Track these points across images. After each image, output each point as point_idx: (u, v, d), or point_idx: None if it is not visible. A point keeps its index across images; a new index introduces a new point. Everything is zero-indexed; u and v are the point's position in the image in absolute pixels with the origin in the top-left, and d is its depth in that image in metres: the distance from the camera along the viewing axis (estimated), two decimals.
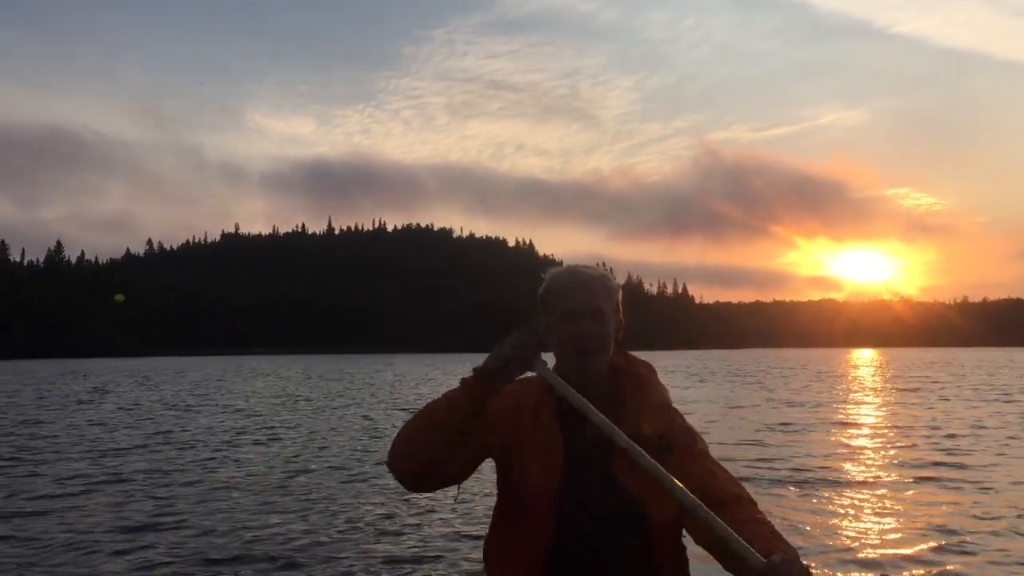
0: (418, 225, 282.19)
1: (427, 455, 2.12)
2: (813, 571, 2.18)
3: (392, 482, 8.50)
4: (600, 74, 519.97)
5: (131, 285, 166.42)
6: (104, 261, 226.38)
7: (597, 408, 2.15)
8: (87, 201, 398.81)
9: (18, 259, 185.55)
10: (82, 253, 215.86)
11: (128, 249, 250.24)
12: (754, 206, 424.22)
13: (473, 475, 2.23)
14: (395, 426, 16.35)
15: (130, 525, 8.08)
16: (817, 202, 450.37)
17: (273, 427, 17.77)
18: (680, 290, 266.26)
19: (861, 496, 9.46)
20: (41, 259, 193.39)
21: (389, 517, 8.34)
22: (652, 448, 2.15)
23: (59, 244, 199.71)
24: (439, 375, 46.70)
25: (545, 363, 2.13)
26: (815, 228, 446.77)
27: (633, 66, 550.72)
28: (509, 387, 2.15)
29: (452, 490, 2.26)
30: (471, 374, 2.06)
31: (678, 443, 2.27)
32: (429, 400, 2.18)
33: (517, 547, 2.18)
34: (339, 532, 7.75)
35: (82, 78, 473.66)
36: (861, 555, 6.94)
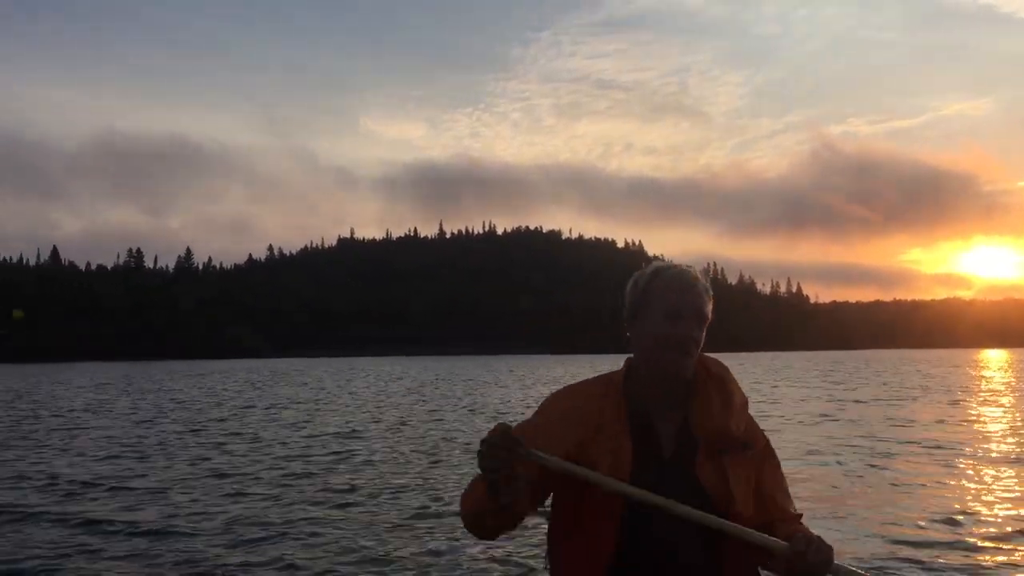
0: (527, 228, 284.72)
1: (488, 525, 2.24)
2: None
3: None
4: (709, 70, 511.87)
5: (256, 290, 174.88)
6: (229, 267, 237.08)
7: (679, 404, 2.30)
8: (208, 207, 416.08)
9: (151, 265, 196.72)
10: (209, 259, 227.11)
11: (251, 255, 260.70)
12: (874, 202, 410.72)
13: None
14: None
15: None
16: (942, 196, 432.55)
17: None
18: (794, 289, 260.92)
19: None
20: (170, 265, 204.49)
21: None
22: (738, 444, 2.27)
23: (189, 251, 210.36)
24: (556, 375, 48.12)
25: (533, 451, 2.09)
26: (940, 223, 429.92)
27: (743, 61, 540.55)
28: (562, 392, 2.38)
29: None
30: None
31: (756, 442, 2.35)
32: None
33: (582, 549, 2.19)
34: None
35: (203, 88, 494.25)
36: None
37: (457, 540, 7.08)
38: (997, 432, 15.92)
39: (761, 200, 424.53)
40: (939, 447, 13.58)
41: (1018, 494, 9.37)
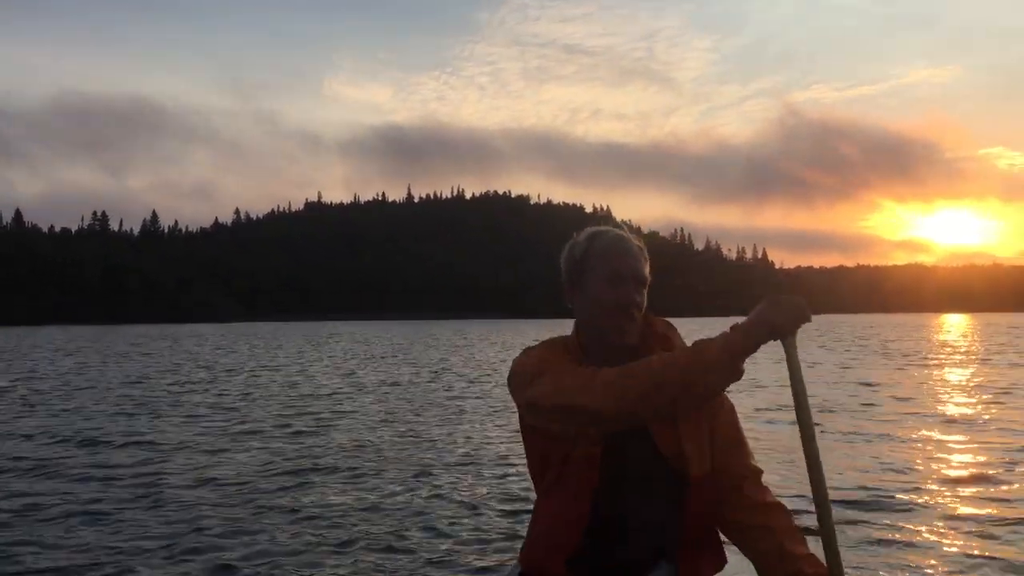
0: (496, 192, 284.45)
1: (641, 414, 2.12)
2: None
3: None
4: (677, 36, 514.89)
5: (224, 254, 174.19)
6: (195, 230, 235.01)
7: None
8: (171, 170, 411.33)
9: (116, 228, 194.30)
10: (175, 223, 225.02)
11: (217, 218, 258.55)
12: (839, 168, 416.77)
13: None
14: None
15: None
16: (905, 163, 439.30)
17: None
18: (760, 255, 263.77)
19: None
20: (135, 228, 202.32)
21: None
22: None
23: (155, 215, 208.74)
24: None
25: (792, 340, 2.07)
26: (903, 190, 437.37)
27: (711, 27, 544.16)
28: (534, 351, 2.31)
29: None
30: (741, 343, 2.01)
31: None
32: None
33: (562, 509, 2.22)
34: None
35: (163, 49, 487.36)
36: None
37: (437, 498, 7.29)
38: (929, 394, 16.53)
39: (728, 166, 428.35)
40: (873, 405, 14.45)
41: (943, 453, 9.85)
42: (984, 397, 15.68)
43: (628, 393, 2.07)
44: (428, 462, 9.33)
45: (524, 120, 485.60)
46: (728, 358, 2.02)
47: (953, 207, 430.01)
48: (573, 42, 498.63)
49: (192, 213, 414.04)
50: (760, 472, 2.29)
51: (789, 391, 2.13)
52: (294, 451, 10.16)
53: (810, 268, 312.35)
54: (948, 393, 16.80)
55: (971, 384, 18.60)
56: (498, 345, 44.80)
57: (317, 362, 29.70)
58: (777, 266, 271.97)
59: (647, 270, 2.30)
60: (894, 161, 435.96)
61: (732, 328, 2.04)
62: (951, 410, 13.85)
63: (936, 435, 11.01)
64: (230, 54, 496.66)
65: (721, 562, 2.29)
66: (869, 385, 18.44)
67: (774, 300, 2.04)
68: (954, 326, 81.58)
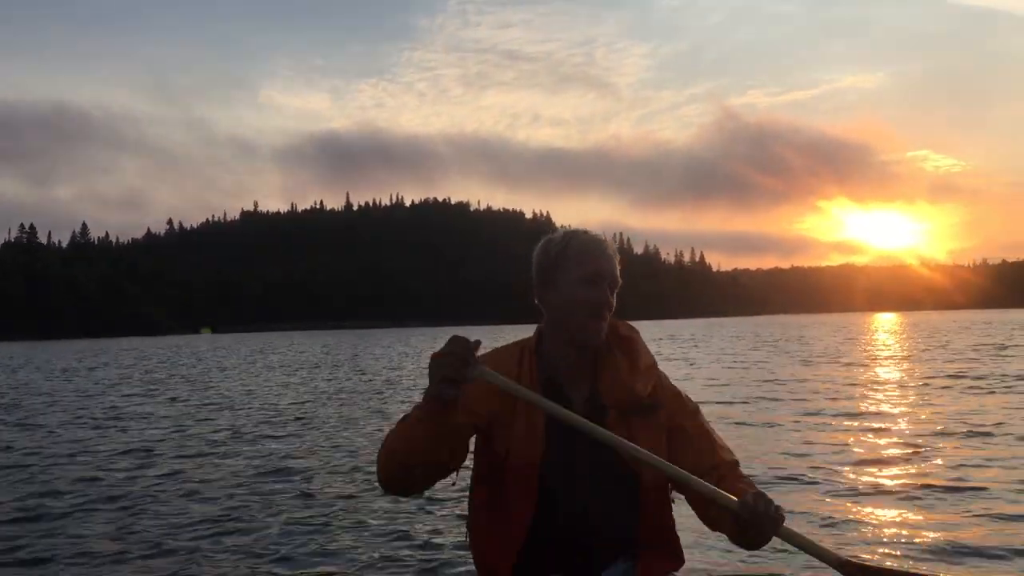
0: (435, 199, 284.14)
1: (416, 474, 2.13)
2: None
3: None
4: (615, 42, 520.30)
5: (159, 266, 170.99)
6: (126, 241, 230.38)
7: (588, 370, 2.31)
8: (100, 179, 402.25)
9: (44, 240, 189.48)
10: (106, 234, 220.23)
11: (149, 229, 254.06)
12: (774, 171, 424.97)
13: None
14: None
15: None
16: (838, 166, 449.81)
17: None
18: (697, 258, 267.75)
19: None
20: (62, 240, 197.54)
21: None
22: (642, 406, 2.28)
23: (84, 226, 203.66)
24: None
25: (483, 367, 2.05)
26: (836, 192, 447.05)
27: (648, 33, 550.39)
28: (484, 358, 2.16)
29: (449, 479, 2.23)
30: (421, 401, 2.05)
31: (667, 401, 2.33)
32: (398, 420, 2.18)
33: (501, 519, 2.22)
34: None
35: (87, 55, 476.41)
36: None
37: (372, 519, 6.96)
38: (836, 390, 17.00)
39: (667, 170, 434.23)
40: (776, 399, 15.22)
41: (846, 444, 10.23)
42: (883, 390, 16.43)
43: (387, 463, 2.15)
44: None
45: (464, 126, 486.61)
46: (424, 415, 2.04)
47: (884, 209, 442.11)
48: (512, 48, 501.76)
49: (122, 223, 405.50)
50: (736, 463, 2.32)
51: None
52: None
53: (747, 270, 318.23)
54: (834, 388, 17.37)
55: (859, 380, 19.29)
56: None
57: (264, 372, 29.41)
58: (715, 269, 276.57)
59: (619, 272, 2.33)
60: (828, 164, 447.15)
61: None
62: (827, 404, 14.44)
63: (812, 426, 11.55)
64: (158, 61, 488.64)
65: (679, 561, 2.35)
66: (770, 381, 19.20)
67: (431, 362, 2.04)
68: (870, 325, 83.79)
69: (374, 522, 6.81)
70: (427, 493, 7.33)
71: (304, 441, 11.80)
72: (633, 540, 2.26)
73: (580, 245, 2.31)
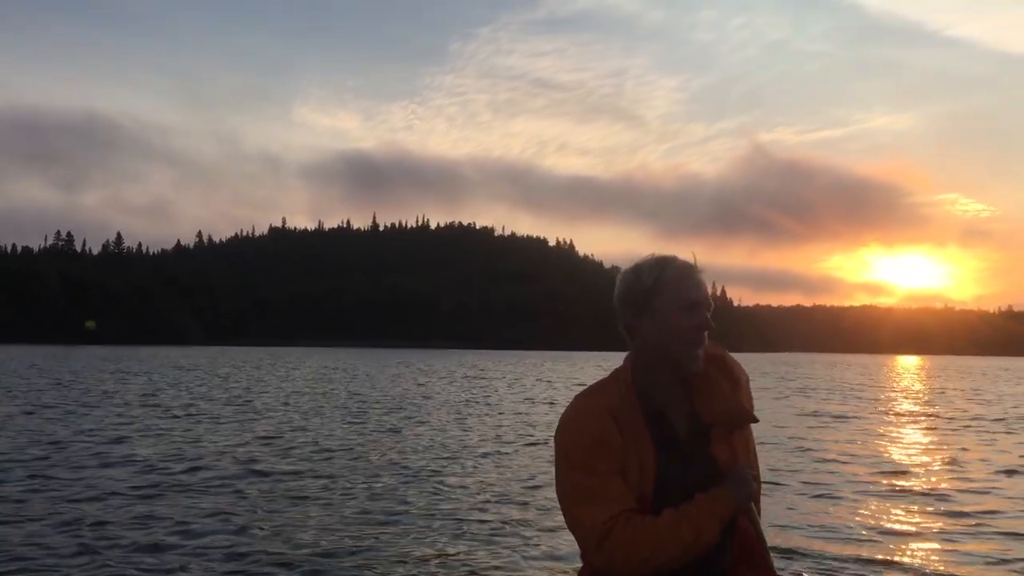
0: (460, 223, 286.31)
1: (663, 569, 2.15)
2: None
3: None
4: (645, 74, 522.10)
5: (189, 278, 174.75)
6: (156, 252, 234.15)
7: (684, 388, 2.33)
8: (129, 187, 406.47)
9: (79, 248, 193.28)
10: (139, 244, 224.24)
11: (179, 240, 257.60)
12: (801, 209, 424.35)
13: None
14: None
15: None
16: (866, 206, 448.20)
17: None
18: (719, 292, 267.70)
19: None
20: (93, 247, 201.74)
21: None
22: (751, 419, 2.34)
23: (119, 236, 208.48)
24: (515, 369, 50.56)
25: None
26: (864, 232, 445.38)
27: (678, 66, 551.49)
28: (586, 411, 2.27)
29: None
30: (724, 509, 2.19)
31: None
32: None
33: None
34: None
35: (123, 64, 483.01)
36: None
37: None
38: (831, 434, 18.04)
39: (693, 203, 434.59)
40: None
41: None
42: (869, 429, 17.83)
43: (631, 561, 2.14)
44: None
45: (491, 151, 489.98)
46: (719, 531, 2.21)
47: (912, 251, 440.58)
48: (543, 76, 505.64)
49: (150, 232, 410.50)
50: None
51: None
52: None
53: (769, 307, 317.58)
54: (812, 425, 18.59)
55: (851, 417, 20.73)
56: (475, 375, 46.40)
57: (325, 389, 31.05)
58: (736, 304, 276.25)
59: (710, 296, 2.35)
60: (857, 203, 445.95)
61: (713, 502, 2.20)
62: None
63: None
64: (190, 71, 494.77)
65: (771, 572, 2.36)
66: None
67: (735, 480, 2.25)
68: (886, 367, 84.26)
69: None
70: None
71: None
72: (730, 558, 2.34)
73: (676, 271, 2.30)
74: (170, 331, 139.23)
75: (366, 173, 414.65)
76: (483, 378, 40.60)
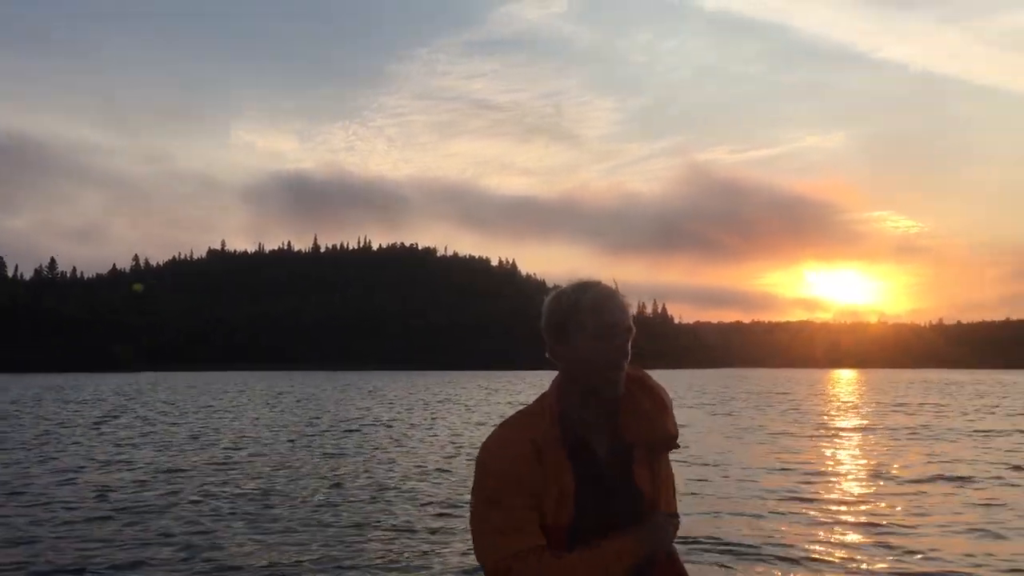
0: (403, 244, 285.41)
1: None
2: None
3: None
4: (582, 95, 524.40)
5: (126, 303, 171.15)
6: (91, 276, 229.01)
7: (617, 414, 2.28)
8: (59, 210, 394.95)
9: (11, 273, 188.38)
10: (74, 269, 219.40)
11: (115, 264, 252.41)
12: (739, 226, 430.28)
13: None
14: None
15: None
16: (802, 223, 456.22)
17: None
18: (660, 310, 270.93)
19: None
20: (26, 272, 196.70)
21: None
22: (674, 442, 2.31)
23: (53, 261, 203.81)
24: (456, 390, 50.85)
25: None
26: (800, 249, 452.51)
27: (614, 87, 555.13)
28: (507, 443, 2.23)
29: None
30: (634, 556, 2.15)
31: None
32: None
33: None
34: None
35: (44, 83, 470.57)
36: None
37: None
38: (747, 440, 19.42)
39: (633, 221, 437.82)
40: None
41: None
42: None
43: None
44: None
45: (432, 172, 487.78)
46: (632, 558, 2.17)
47: (847, 267, 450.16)
48: (481, 97, 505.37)
49: (85, 256, 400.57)
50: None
51: None
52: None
53: (708, 323, 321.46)
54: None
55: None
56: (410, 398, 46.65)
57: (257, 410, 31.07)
58: (676, 320, 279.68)
59: (631, 320, 2.28)
60: (792, 221, 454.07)
61: (624, 546, 2.16)
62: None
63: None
64: (118, 94, 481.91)
65: None
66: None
67: (652, 527, 2.23)
68: (820, 381, 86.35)
69: None
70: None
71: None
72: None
73: (594, 297, 2.24)
74: (107, 358, 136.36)
75: (306, 194, 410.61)
76: (424, 401, 40.88)
